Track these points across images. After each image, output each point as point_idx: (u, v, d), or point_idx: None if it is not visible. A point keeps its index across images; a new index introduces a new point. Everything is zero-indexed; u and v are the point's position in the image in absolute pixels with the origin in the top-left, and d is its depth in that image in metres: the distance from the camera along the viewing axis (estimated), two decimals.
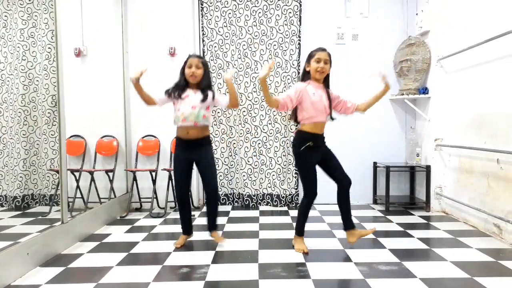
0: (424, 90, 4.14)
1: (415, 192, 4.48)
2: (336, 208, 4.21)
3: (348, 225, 2.91)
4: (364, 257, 2.69)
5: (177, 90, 2.86)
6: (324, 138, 2.88)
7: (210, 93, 2.86)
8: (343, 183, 2.89)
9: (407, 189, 4.53)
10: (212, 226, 3.03)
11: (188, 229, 3.05)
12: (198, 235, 3.25)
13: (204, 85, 2.87)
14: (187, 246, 3.01)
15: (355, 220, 3.71)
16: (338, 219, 3.73)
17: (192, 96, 2.83)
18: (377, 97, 3.00)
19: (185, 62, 2.89)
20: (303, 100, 2.72)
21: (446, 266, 2.52)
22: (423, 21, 4.17)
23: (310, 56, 2.78)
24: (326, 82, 2.85)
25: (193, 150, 2.87)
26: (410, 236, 3.20)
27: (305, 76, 2.84)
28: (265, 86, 2.62)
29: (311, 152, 2.75)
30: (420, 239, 3.11)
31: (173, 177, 3.01)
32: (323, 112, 2.76)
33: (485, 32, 3.20)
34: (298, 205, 4.35)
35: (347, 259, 2.67)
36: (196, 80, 2.85)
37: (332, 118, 2.88)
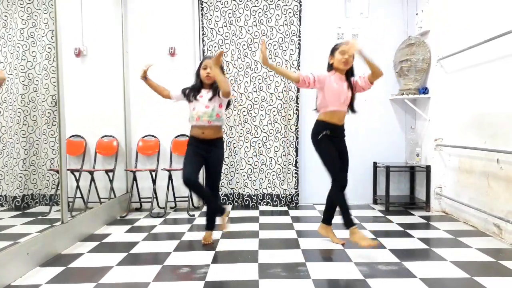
0: (424, 90, 4.14)
1: (415, 192, 4.48)
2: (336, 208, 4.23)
3: (325, 218, 3.02)
4: (364, 257, 2.69)
5: (193, 92, 2.93)
6: (344, 131, 2.92)
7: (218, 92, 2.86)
8: (342, 183, 2.91)
9: (407, 189, 4.53)
10: (209, 227, 3.08)
11: (220, 210, 3.00)
12: (198, 235, 3.25)
13: (217, 85, 2.86)
14: (187, 246, 3.01)
15: (355, 220, 3.72)
16: (338, 219, 3.74)
17: (206, 96, 2.89)
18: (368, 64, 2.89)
19: (200, 64, 2.95)
20: (325, 85, 2.78)
21: (446, 266, 2.52)
22: (423, 21, 4.17)
23: (334, 49, 2.84)
24: (350, 72, 2.91)
25: (207, 149, 2.90)
26: (410, 236, 3.20)
27: (329, 68, 2.90)
28: (273, 66, 2.75)
29: (327, 140, 2.82)
30: (420, 239, 3.11)
31: (181, 169, 2.92)
32: (342, 102, 2.81)
33: (485, 32, 3.20)
34: (297, 204, 4.36)
35: (347, 259, 2.67)
36: (211, 80, 2.89)
37: (353, 111, 2.93)
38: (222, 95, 2.81)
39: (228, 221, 3.13)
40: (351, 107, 2.91)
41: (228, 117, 4.40)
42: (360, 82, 2.92)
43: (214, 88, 2.88)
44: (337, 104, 2.80)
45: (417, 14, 4.32)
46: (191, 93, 2.93)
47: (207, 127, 2.87)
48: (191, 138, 2.95)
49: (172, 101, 3.08)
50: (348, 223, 2.80)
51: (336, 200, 2.89)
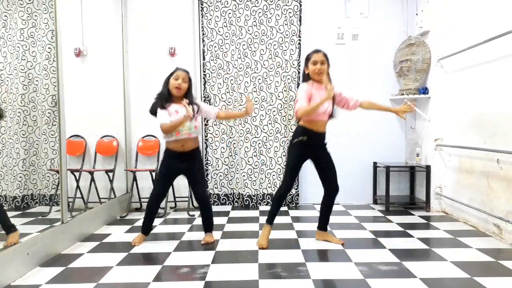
0: (424, 90, 4.14)
1: (415, 192, 4.48)
2: (336, 208, 4.24)
3: (321, 225, 3.05)
4: (364, 257, 2.69)
5: (163, 101, 2.87)
6: (323, 138, 2.89)
7: (196, 106, 2.94)
8: (329, 190, 2.93)
9: (407, 189, 4.53)
10: (207, 229, 3.15)
11: (149, 230, 3.14)
12: (198, 235, 3.25)
13: (190, 100, 2.89)
14: (187, 246, 3.01)
15: (355, 220, 3.73)
16: (338, 219, 3.75)
17: (182, 111, 2.82)
18: (384, 109, 3.10)
19: (171, 74, 2.91)
20: (312, 99, 2.76)
21: (446, 266, 2.52)
22: (423, 21, 4.17)
23: (307, 59, 2.84)
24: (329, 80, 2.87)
25: (186, 161, 2.95)
26: (410, 236, 3.20)
27: (305, 78, 2.88)
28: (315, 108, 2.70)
29: (302, 148, 2.82)
30: (420, 239, 3.11)
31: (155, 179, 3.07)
32: (323, 112, 2.79)
33: (485, 32, 3.20)
34: (297, 204, 4.36)
35: (347, 259, 2.67)
36: (180, 93, 2.88)
37: (332, 117, 2.92)
38: (218, 119, 3.10)
39: (213, 239, 3.14)
40: (331, 115, 2.89)
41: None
42: (351, 102, 2.94)
43: (190, 103, 2.82)
44: (319, 115, 2.78)
45: (417, 14, 4.32)
46: (162, 102, 2.86)
47: (187, 140, 2.91)
48: (169, 152, 2.97)
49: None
50: (268, 219, 2.97)
51: (273, 200, 2.97)
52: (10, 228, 2.65)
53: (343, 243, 2.96)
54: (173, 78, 2.88)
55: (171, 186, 3.15)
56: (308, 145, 2.81)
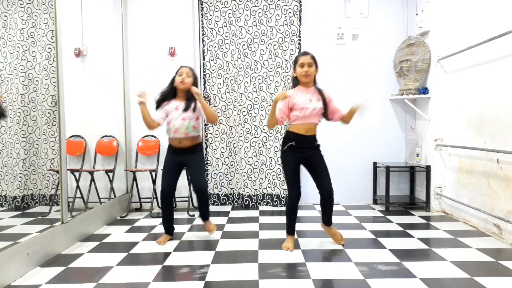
0: (424, 90, 4.14)
1: (415, 192, 4.48)
2: (336, 208, 4.24)
3: (325, 221, 3.00)
4: (364, 257, 2.69)
5: (164, 99, 3.02)
6: (313, 141, 2.85)
7: (198, 105, 2.99)
8: (322, 192, 2.89)
9: (407, 189, 4.53)
10: (204, 216, 3.20)
11: (170, 229, 3.17)
12: (198, 235, 3.25)
13: (191, 95, 2.97)
14: (187, 246, 3.01)
15: (355, 220, 3.73)
16: (338, 219, 3.75)
17: (181, 108, 2.97)
18: (350, 113, 2.91)
19: (177, 72, 3.04)
20: (293, 105, 2.77)
21: (446, 266, 2.52)
22: (423, 21, 4.17)
23: (295, 62, 2.83)
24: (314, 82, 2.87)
25: (185, 155, 3.03)
26: (410, 236, 3.20)
27: (295, 82, 2.87)
28: (272, 118, 2.75)
29: (293, 152, 2.81)
30: (420, 239, 3.11)
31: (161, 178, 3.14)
32: (311, 115, 2.77)
33: (485, 32, 3.20)
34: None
35: (347, 259, 2.67)
36: (185, 86, 2.97)
37: (327, 119, 2.89)
38: (208, 121, 3.07)
39: (214, 226, 3.25)
40: (324, 116, 2.84)
41: (228, 117, 4.40)
42: (336, 115, 2.88)
43: (188, 99, 2.97)
44: (306, 118, 2.76)
45: (417, 14, 4.32)
46: (162, 102, 3.01)
47: (185, 138, 3.00)
48: (169, 147, 3.10)
49: (159, 128, 3.09)
50: (287, 230, 2.94)
51: (286, 213, 2.95)
52: None
53: (343, 244, 2.96)
54: (178, 75, 3.00)
55: (177, 182, 3.14)
56: (298, 148, 2.80)
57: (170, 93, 3.03)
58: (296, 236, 3.02)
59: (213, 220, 3.72)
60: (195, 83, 3.02)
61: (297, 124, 2.79)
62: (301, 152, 2.82)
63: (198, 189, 3.07)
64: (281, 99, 2.66)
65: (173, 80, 3.03)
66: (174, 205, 4.27)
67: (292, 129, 2.82)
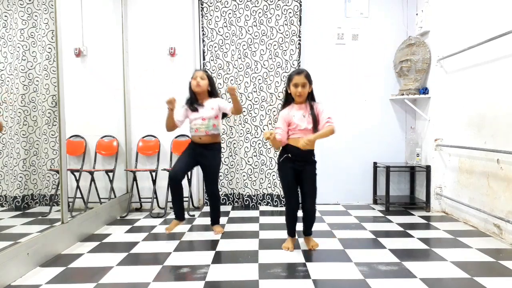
0: (424, 90, 4.14)
1: (415, 192, 4.48)
2: (336, 208, 4.25)
3: (304, 230, 2.98)
4: (364, 257, 2.69)
5: (191, 104, 3.21)
6: (309, 155, 2.82)
7: (216, 104, 3.20)
8: (305, 208, 2.88)
9: (407, 189, 4.53)
10: (213, 221, 3.38)
11: (180, 214, 3.26)
12: (198, 235, 3.25)
13: (213, 95, 3.24)
14: (187, 246, 3.01)
15: (355, 220, 3.73)
16: (338, 219, 3.76)
17: (201, 109, 3.18)
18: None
19: (192, 77, 3.21)
20: (291, 122, 2.79)
21: (446, 266, 2.52)
22: (423, 21, 4.17)
23: (289, 80, 2.81)
24: (312, 97, 2.85)
25: (203, 152, 3.20)
26: (410, 236, 3.20)
27: (288, 97, 2.87)
28: (274, 143, 2.76)
29: (288, 164, 2.81)
30: (420, 239, 3.11)
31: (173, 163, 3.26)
32: (303, 131, 2.75)
33: (485, 32, 3.20)
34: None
35: (347, 259, 2.67)
36: (201, 88, 3.16)
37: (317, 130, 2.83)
38: (232, 113, 3.20)
39: (221, 230, 3.36)
40: (315, 129, 2.78)
41: (229, 118, 4.40)
42: (320, 124, 2.78)
43: (210, 102, 3.19)
44: (300, 133, 2.76)
45: (417, 14, 4.32)
46: (190, 105, 3.21)
47: (205, 136, 3.19)
48: (191, 143, 3.31)
49: (180, 127, 3.30)
50: (288, 232, 2.96)
51: (286, 217, 2.96)
52: None
53: (313, 246, 2.92)
54: (192, 79, 3.19)
55: (188, 171, 3.32)
56: (293, 160, 2.79)
57: (194, 98, 3.21)
58: (296, 237, 3.01)
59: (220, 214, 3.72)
60: (211, 83, 3.22)
61: (294, 138, 2.78)
62: (296, 163, 2.80)
63: (210, 194, 3.31)
64: (268, 137, 2.62)
65: (190, 86, 3.21)
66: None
67: (289, 141, 2.81)
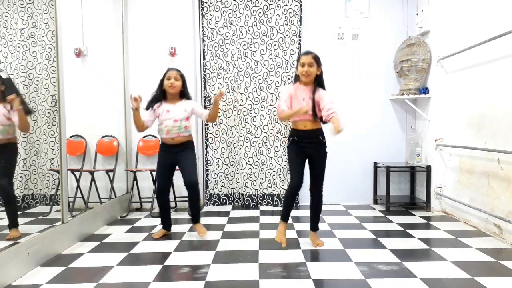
0: (425, 90, 4.14)
1: (416, 192, 4.48)
2: (336, 208, 4.25)
3: (313, 226, 3.03)
4: (365, 257, 2.69)
5: (156, 102, 3.12)
6: (314, 135, 2.84)
7: (190, 106, 3.14)
8: (312, 191, 2.96)
9: (408, 189, 4.53)
10: (194, 218, 3.28)
11: (166, 224, 3.29)
12: (199, 236, 3.25)
13: (185, 96, 3.17)
14: (188, 246, 3.01)
15: (355, 220, 3.73)
16: (338, 219, 3.76)
17: (173, 110, 3.09)
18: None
19: (164, 75, 3.12)
20: (294, 98, 2.84)
21: (447, 266, 2.52)
22: (424, 21, 4.17)
23: (298, 60, 2.86)
24: (319, 83, 2.86)
25: (176, 152, 3.12)
26: (410, 236, 3.20)
27: (296, 78, 2.91)
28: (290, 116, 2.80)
29: (294, 145, 2.88)
30: (420, 239, 3.11)
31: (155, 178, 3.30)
32: (300, 114, 2.77)
33: (485, 32, 3.20)
34: (297, 204, 4.36)
35: (348, 259, 2.67)
36: (175, 90, 3.10)
37: (318, 119, 2.84)
38: (207, 121, 3.23)
39: (205, 229, 3.27)
40: (313, 116, 2.80)
41: (229, 117, 4.40)
42: (323, 112, 2.75)
43: (183, 104, 3.13)
44: (297, 116, 2.79)
45: (417, 14, 4.32)
46: (154, 104, 3.11)
47: (177, 137, 3.11)
48: (162, 144, 3.20)
49: (147, 130, 3.25)
50: (281, 214, 2.96)
51: (284, 198, 2.99)
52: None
53: (320, 244, 2.94)
54: (166, 79, 3.10)
55: (172, 179, 3.29)
56: (299, 142, 2.85)
57: (161, 96, 3.14)
58: (289, 221, 3.02)
59: (214, 220, 3.74)
60: (184, 86, 3.15)
61: (295, 120, 2.86)
62: (303, 145, 2.85)
63: (190, 184, 3.09)
64: (303, 111, 2.69)
65: (161, 83, 3.12)
66: (175, 205, 4.28)
67: (292, 125, 2.92)
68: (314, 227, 3.02)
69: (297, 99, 2.82)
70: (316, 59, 2.79)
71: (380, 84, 4.47)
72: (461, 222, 3.63)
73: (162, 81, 3.12)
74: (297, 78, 2.89)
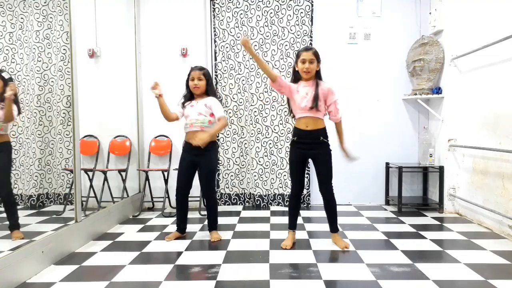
0: (438, 90, 4.09)
1: (428, 193, 4.42)
2: (347, 208, 4.23)
3: (331, 228, 3.00)
4: (376, 258, 2.67)
5: (185, 101, 3.16)
6: (317, 136, 2.81)
7: (209, 103, 3.09)
8: (321, 192, 2.93)
9: (420, 190, 4.48)
10: (210, 226, 3.23)
11: (182, 228, 3.24)
12: (209, 235, 3.26)
13: (210, 94, 3.15)
14: (199, 246, 3.03)
15: (367, 221, 3.70)
16: (348, 220, 3.74)
17: (196, 105, 3.10)
18: (340, 140, 3.01)
19: (188, 75, 3.13)
20: (290, 95, 2.83)
21: (460, 268, 2.48)
22: (437, 20, 4.12)
23: (297, 56, 2.83)
24: (318, 76, 2.86)
25: (199, 153, 3.04)
26: (422, 237, 3.17)
27: (295, 74, 2.88)
28: (257, 57, 2.77)
29: (295, 147, 2.87)
30: (433, 240, 3.07)
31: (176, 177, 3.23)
32: (302, 109, 2.78)
33: (500, 31, 3.15)
34: (308, 205, 4.35)
35: (359, 260, 2.66)
36: (200, 91, 3.11)
37: (320, 115, 2.83)
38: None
39: (218, 236, 3.21)
40: (313, 109, 2.78)
41: (240, 118, 4.41)
42: (330, 116, 2.87)
43: (205, 100, 3.10)
44: (302, 112, 2.78)
45: (430, 13, 4.27)
46: (185, 103, 3.15)
47: (200, 132, 3.04)
48: (185, 144, 3.16)
49: (176, 122, 3.23)
50: (288, 225, 2.99)
51: (288, 206, 3.01)
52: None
53: (347, 246, 2.90)
54: (190, 80, 3.11)
55: (192, 180, 3.21)
56: (299, 143, 2.82)
57: (190, 96, 3.16)
58: (299, 222, 3.02)
59: (225, 220, 3.74)
60: (208, 83, 3.12)
61: (297, 118, 2.85)
62: (303, 147, 2.82)
63: (206, 197, 3.26)
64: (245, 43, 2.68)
65: (187, 83, 3.14)
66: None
67: (295, 124, 2.89)
68: (333, 228, 2.98)
69: (299, 94, 2.80)
70: (316, 55, 2.78)
71: (393, 84, 4.43)
72: (475, 223, 3.58)
73: (187, 81, 3.13)
74: (296, 74, 2.87)
